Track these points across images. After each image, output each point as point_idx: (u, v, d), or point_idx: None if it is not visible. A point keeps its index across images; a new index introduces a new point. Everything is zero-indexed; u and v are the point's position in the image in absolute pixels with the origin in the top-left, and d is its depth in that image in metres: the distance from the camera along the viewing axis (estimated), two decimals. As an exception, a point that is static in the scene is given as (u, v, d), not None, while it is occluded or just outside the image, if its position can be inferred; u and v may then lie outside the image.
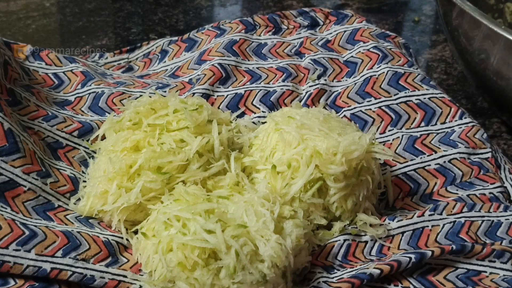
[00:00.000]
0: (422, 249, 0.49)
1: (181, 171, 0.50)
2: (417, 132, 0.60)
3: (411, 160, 0.58)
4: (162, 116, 0.52)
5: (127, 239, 0.49)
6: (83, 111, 0.60)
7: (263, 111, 0.61)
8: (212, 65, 0.64)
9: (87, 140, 0.56)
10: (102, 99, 0.61)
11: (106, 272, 0.46)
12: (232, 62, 0.65)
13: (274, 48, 0.69)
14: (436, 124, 0.60)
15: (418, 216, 0.52)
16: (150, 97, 0.54)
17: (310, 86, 0.64)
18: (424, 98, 0.61)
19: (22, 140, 0.51)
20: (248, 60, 0.67)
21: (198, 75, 0.65)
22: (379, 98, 0.62)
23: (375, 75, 0.63)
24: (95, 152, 0.56)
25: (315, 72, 0.65)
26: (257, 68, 0.66)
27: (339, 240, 0.50)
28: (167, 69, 0.69)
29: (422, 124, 0.60)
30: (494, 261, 0.49)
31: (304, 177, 0.49)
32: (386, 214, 0.54)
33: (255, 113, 0.62)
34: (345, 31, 0.69)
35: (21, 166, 0.50)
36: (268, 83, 0.64)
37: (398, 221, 0.51)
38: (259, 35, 0.69)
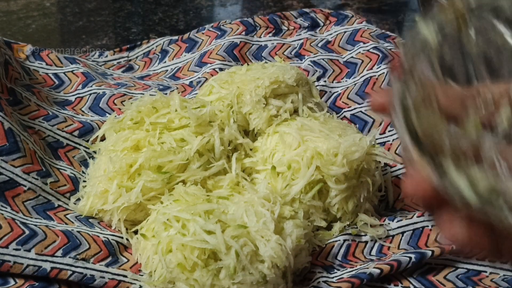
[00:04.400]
0: (422, 249, 0.49)
1: (181, 170, 0.50)
2: (417, 132, 0.59)
3: (411, 160, 0.57)
4: (164, 114, 0.52)
5: (127, 239, 0.49)
6: (83, 111, 0.60)
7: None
8: (213, 69, 0.64)
9: (87, 141, 0.56)
10: (103, 100, 0.60)
11: (106, 272, 0.46)
12: (233, 68, 0.65)
13: (274, 51, 0.68)
14: (436, 124, 0.60)
15: (418, 216, 0.52)
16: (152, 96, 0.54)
17: (310, 87, 0.64)
18: (424, 99, 0.61)
19: (23, 140, 0.51)
20: (248, 65, 0.66)
21: (198, 77, 0.65)
22: (379, 98, 0.62)
23: (375, 75, 0.63)
24: (95, 153, 0.56)
25: (315, 74, 0.65)
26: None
27: (339, 240, 0.50)
28: (167, 70, 0.68)
29: (422, 124, 0.60)
30: (494, 261, 0.49)
31: (305, 178, 0.49)
32: (386, 215, 0.54)
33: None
34: (345, 32, 0.69)
35: (21, 165, 0.50)
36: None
37: (398, 221, 0.51)
38: (260, 37, 0.69)
